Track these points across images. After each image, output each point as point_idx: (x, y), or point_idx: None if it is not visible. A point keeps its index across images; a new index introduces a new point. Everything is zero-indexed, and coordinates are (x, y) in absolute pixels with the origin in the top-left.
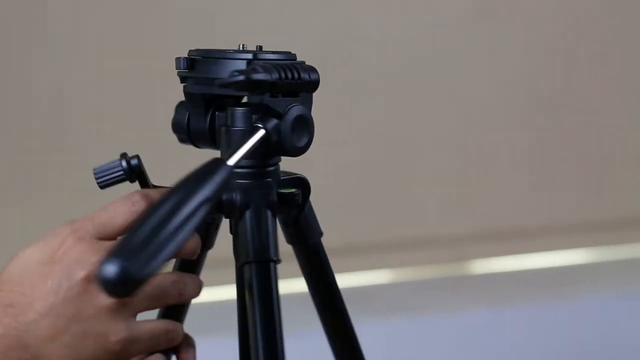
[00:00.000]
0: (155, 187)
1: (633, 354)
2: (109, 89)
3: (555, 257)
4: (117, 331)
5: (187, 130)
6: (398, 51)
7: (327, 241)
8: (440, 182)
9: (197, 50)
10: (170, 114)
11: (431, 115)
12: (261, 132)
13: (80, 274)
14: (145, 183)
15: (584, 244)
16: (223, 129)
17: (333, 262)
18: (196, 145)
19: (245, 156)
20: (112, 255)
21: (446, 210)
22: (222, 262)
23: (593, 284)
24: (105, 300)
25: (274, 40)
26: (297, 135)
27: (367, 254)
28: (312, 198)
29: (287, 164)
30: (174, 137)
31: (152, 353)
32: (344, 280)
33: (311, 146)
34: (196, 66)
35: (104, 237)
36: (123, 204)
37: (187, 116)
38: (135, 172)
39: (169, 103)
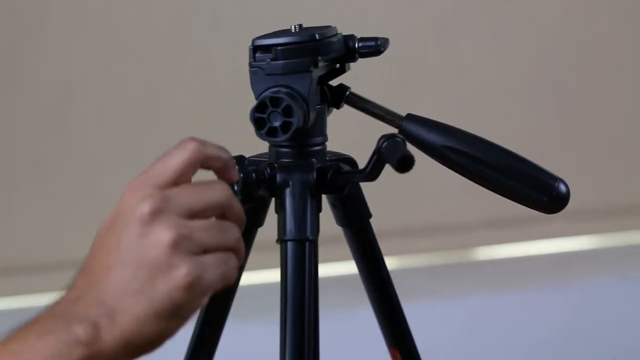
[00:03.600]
0: None
1: (634, 338)
2: (115, 82)
3: (558, 243)
4: (182, 264)
5: None
6: (403, 33)
7: (331, 230)
8: (445, 169)
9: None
10: (176, 106)
11: (436, 100)
12: None
13: (135, 218)
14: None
15: (586, 230)
16: None
17: (337, 250)
18: None
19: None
20: None
21: (451, 197)
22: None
23: (595, 270)
24: (164, 237)
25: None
26: None
27: None
28: None
29: None
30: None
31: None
32: (348, 268)
33: None
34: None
35: (161, 186)
36: (176, 152)
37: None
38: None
39: (175, 95)
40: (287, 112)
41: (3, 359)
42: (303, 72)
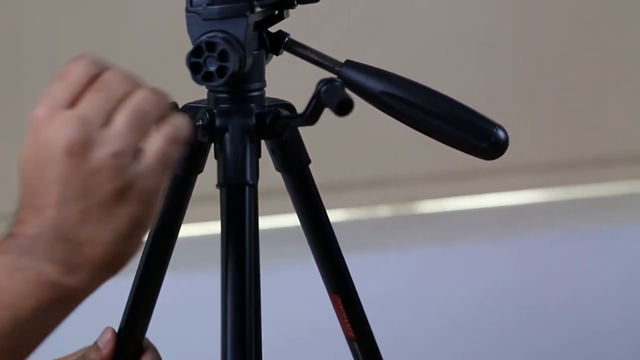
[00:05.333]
0: None
1: (577, 290)
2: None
3: (505, 197)
4: (128, 183)
5: None
6: None
7: (278, 182)
8: (390, 121)
9: None
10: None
11: (384, 51)
12: None
13: (64, 151)
14: None
15: (533, 184)
16: None
17: (284, 202)
18: None
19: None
20: None
21: (398, 150)
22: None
23: (541, 224)
24: (100, 163)
25: None
26: None
27: (321, 194)
28: None
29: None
30: None
31: None
32: (296, 220)
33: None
34: None
35: (70, 104)
36: (72, 66)
37: None
38: None
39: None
40: (223, 56)
41: None
42: (239, 17)
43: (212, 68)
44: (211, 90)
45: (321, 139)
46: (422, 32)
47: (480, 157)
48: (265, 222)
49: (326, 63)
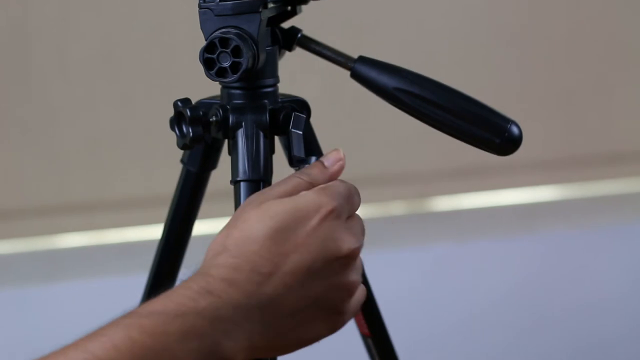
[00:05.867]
0: None
1: (595, 288)
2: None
3: (520, 194)
4: (347, 315)
5: None
6: None
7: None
8: (405, 118)
9: None
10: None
11: (392, 48)
12: None
13: (338, 252)
14: None
15: (549, 180)
16: None
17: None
18: None
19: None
20: None
21: (411, 146)
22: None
23: (558, 221)
24: (353, 289)
25: None
26: None
27: None
28: None
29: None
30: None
31: None
32: None
33: None
34: None
35: (349, 216)
36: (356, 191)
37: None
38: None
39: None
40: (236, 52)
41: (135, 352)
42: (252, 13)
43: (226, 64)
44: (225, 87)
45: (335, 135)
46: (431, 29)
47: (494, 153)
48: None
49: (339, 59)
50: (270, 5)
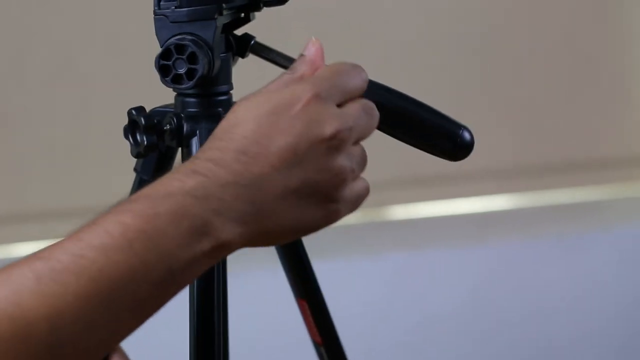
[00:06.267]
0: None
1: (545, 297)
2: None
3: (476, 202)
4: (344, 205)
5: None
6: None
7: None
8: None
9: None
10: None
11: (355, 57)
12: None
13: (321, 134)
14: None
15: (504, 189)
16: None
17: None
18: None
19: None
20: None
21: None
22: None
23: (510, 230)
24: (343, 172)
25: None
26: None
27: None
28: None
29: None
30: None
31: None
32: None
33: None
34: None
35: (339, 103)
36: (360, 77)
37: None
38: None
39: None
40: (192, 59)
41: (128, 235)
42: (208, 20)
43: (182, 70)
44: (179, 94)
45: None
46: (393, 35)
47: (447, 159)
48: None
49: (286, 63)
50: (226, 12)
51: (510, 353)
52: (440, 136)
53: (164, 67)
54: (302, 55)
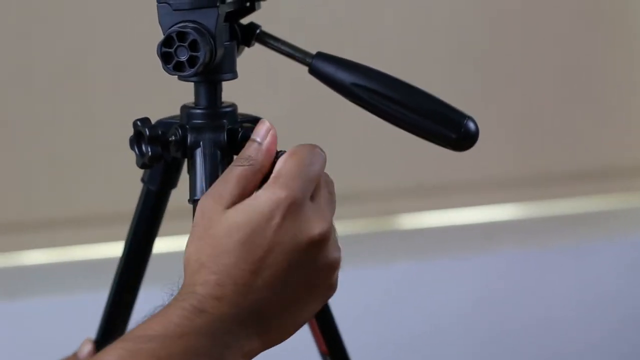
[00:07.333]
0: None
1: (553, 306)
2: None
3: (482, 212)
4: (335, 286)
5: None
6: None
7: None
8: (367, 136)
9: None
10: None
11: (357, 47)
12: None
13: (309, 240)
14: None
15: (511, 199)
16: None
17: None
18: None
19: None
20: None
21: (373, 164)
22: None
23: (518, 240)
24: (331, 270)
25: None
26: None
27: None
28: None
29: None
30: None
31: None
32: None
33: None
34: None
35: (312, 195)
36: (315, 153)
37: None
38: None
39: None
40: (194, 46)
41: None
42: (210, 8)
43: (183, 58)
44: (184, 107)
45: None
46: (395, 45)
47: (451, 149)
48: None
49: (297, 55)
50: (229, 0)
51: None
52: (444, 125)
53: (166, 55)
54: (253, 140)
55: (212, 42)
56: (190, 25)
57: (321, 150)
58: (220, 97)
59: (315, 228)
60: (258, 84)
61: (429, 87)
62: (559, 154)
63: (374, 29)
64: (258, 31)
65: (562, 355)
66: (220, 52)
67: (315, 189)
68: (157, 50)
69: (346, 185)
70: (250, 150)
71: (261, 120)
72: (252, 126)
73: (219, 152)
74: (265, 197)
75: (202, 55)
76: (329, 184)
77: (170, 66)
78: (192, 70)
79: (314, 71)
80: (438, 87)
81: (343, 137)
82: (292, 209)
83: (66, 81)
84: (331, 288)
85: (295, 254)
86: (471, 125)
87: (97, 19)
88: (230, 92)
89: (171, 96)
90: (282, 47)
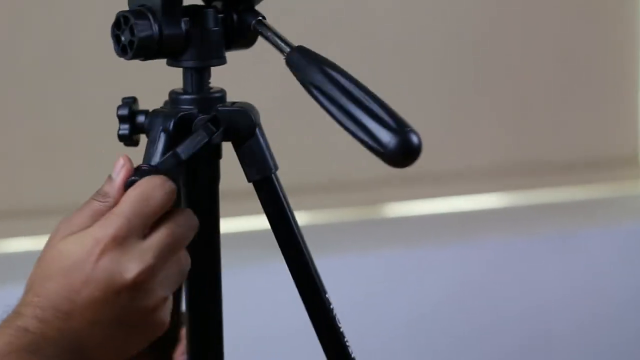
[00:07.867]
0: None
1: (538, 293)
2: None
3: (470, 200)
4: (163, 323)
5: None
6: None
7: (238, 185)
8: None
9: None
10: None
11: (347, 57)
12: None
13: (123, 283)
14: None
15: (498, 188)
16: None
17: (247, 205)
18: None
19: None
20: None
21: (361, 154)
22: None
23: (504, 227)
24: (149, 305)
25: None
26: None
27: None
28: None
29: None
30: None
31: None
32: (259, 223)
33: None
34: None
35: (144, 230)
36: (155, 187)
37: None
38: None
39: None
40: (132, 30)
41: None
42: None
43: (125, 41)
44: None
45: (285, 143)
46: (387, 34)
47: (386, 163)
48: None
49: (279, 44)
50: None
51: (505, 350)
52: (373, 138)
53: (117, 37)
54: (110, 177)
55: (156, 23)
56: (137, 7)
57: (167, 181)
58: (193, 84)
59: (131, 271)
60: (247, 72)
61: (422, 76)
62: (546, 144)
63: (368, 19)
64: (254, 21)
65: (550, 343)
66: (169, 33)
67: (153, 225)
68: (111, 33)
69: (333, 174)
70: (107, 187)
71: (121, 156)
72: (232, 115)
73: (163, 135)
74: (91, 231)
75: (136, 39)
76: (178, 217)
77: (119, 48)
78: (129, 53)
79: (288, 63)
80: (430, 77)
81: (330, 127)
82: (112, 247)
83: (52, 65)
84: (157, 326)
85: (110, 293)
86: (413, 139)
87: (88, 6)
88: (217, 79)
89: (162, 82)
90: (275, 40)
